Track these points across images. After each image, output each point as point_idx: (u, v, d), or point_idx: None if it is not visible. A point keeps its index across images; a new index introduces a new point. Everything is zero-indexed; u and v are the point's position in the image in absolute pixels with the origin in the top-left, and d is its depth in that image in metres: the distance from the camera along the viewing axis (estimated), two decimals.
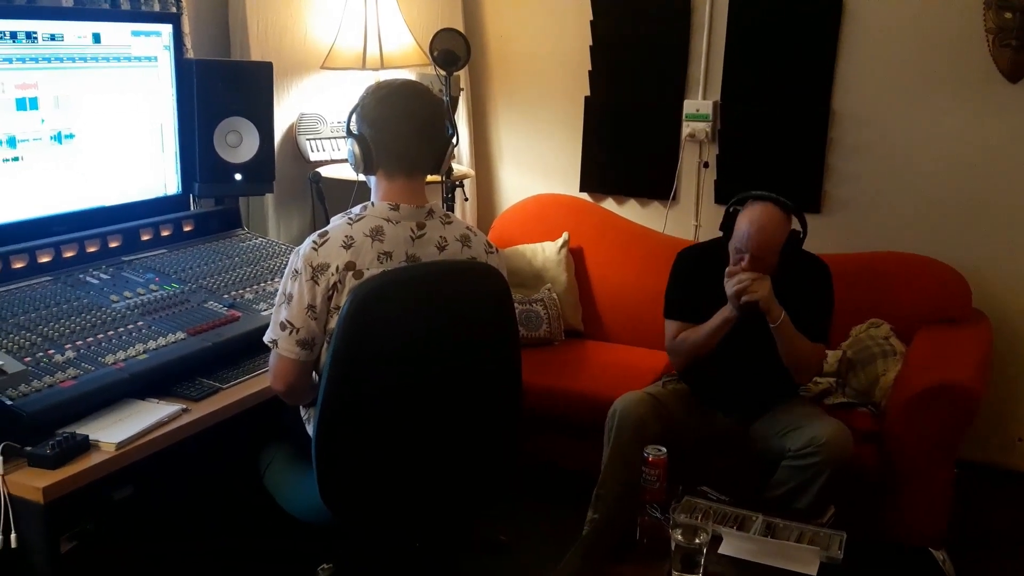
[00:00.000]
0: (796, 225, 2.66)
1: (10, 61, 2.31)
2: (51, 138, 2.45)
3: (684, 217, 3.80)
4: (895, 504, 2.66)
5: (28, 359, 1.95)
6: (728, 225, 2.66)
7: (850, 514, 2.41)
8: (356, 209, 1.97)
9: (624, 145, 3.85)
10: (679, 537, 1.89)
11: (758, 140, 3.59)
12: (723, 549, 2.04)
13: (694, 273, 2.76)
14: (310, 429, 1.99)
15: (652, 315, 2.94)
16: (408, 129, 1.95)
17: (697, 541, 1.88)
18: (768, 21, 3.49)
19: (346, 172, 3.37)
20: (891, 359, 2.93)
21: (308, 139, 3.59)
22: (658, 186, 3.81)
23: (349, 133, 2.01)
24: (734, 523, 2.16)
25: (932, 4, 3.25)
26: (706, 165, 3.71)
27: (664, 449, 2.11)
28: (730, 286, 2.55)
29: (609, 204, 3.94)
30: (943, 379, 2.60)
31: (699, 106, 3.64)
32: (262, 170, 2.97)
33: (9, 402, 1.79)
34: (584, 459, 2.81)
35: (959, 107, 3.28)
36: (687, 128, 3.67)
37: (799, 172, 3.54)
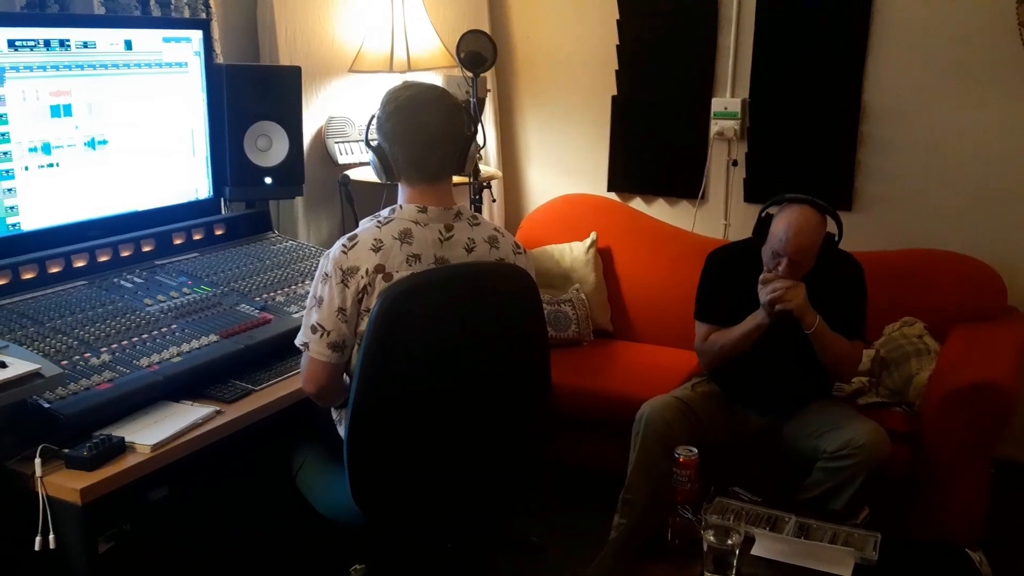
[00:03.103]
0: (830, 227, 2.63)
1: (44, 68, 2.35)
2: (85, 144, 2.49)
3: (713, 216, 3.78)
4: (930, 504, 2.63)
5: (65, 362, 1.97)
6: (761, 230, 2.63)
7: (884, 515, 2.38)
8: (385, 212, 1.98)
9: (652, 144, 3.84)
10: (711, 538, 1.88)
11: (788, 137, 3.56)
12: (755, 550, 2.03)
13: (725, 275, 2.74)
14: (341, 431, 2.00)
15: (681, 315, 2.93)
16: (420, 140, 1.95)
17: (729, 542, 1.87)
18: (796, 16, 3.46)
19: (374, 175, 3.38)
20: (925, 358, 2.89)
21: (336, 142, 3.62)
22: (686, 185, 3.79)
23: (368, 144, 2.02)
24: (766, 524, 2.15)
25: None
26: (735, 163, 3.68)
27: (695, 450, 2.10)
28: (764, 294, 2.53)
29: (637, 203, 3.93)
30: (978, 378, 2.57)
31: (727, 104, 3.62)
32: (292, 173, 2.99)
33: (47, 405, 1.82)
34: (615, 460, 2.80)
35: (992, 101, 3.23)
36: (715, 126, 3.64)
37: (830, 169, 3.50)
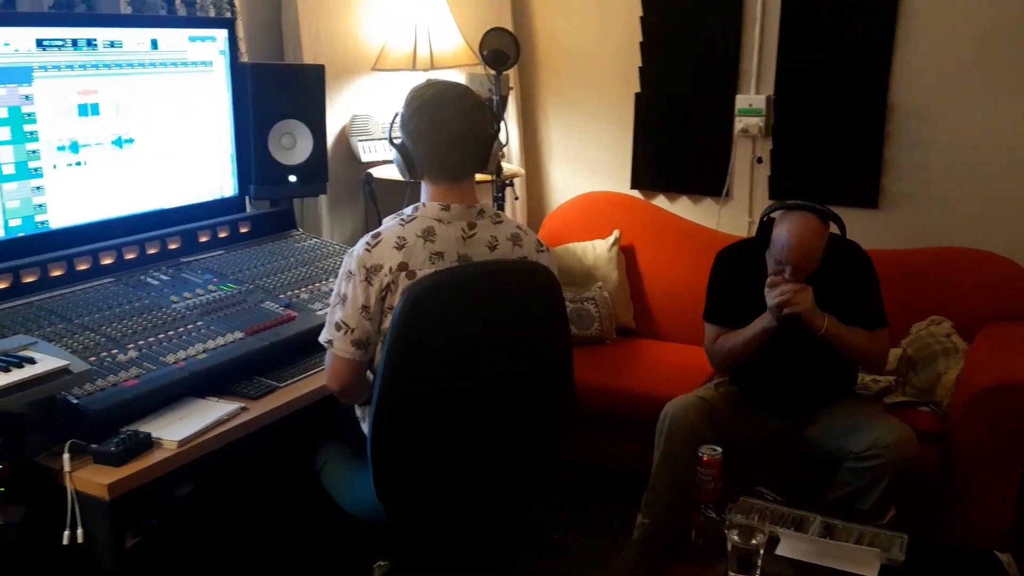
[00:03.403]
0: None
1: (72, 68, 2.38)
2: (112, 143, 2.51)
3: (737, 214, 3.75)
4: (958, 505, 2.60)
5: (92, 359, 2.00)
6: (764, 233, 2.62)
7: (911, 515, 2.36)
8: (408, 210, 1.99)
9: (675, 141, 3.82)
10: (735, 538, 1.87)
11: (813, 135, 3.53)
12: (780, 550, 2.02)
13: (733, 275, 2.73)
14: (365, 428, 2.01)
15: None
16: (443, 139, 1.95)
17: (753, 542, 1.86)
18: (822, 12, 3.43)
19: (398, 173, 3.39)
20: (953, 357, 2.86)
21: (360, 140, 3.63)
22: (710, 182, 3.77)
23: (391, 142, 2.03)
24: (791, 524, 2.13)
25: None
26: (759, 160, 3.66)
27: (719, 449, 2.09)
28: (771, 298, 2.51)
29: (660, 201, 3.91)
30: (1006, 377, 2.54)
31: (752, 101, 3.59)
32: (316, 171, 3.00)
33: (75, 401, 1.84)
34: (637, 458, 2.79)
35: (1020, 98, 3.19)
36: (740, 123, 3.62)
37: (855, 167, 3.47)
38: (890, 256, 3.06)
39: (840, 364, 2.61)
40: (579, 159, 4.12)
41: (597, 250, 3.58)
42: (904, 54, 3.34)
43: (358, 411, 2.12)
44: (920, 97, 3.35)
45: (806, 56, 3.49)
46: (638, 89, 3.85)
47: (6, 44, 2.21)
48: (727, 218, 3.76)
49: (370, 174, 3.39)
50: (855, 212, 3.44)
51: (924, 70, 3.32)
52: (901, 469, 2.38)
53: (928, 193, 3.40)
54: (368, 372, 2.00)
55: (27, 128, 2.28)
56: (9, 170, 2.25)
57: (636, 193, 3.92)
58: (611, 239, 3.59)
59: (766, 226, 2.63)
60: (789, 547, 2.03)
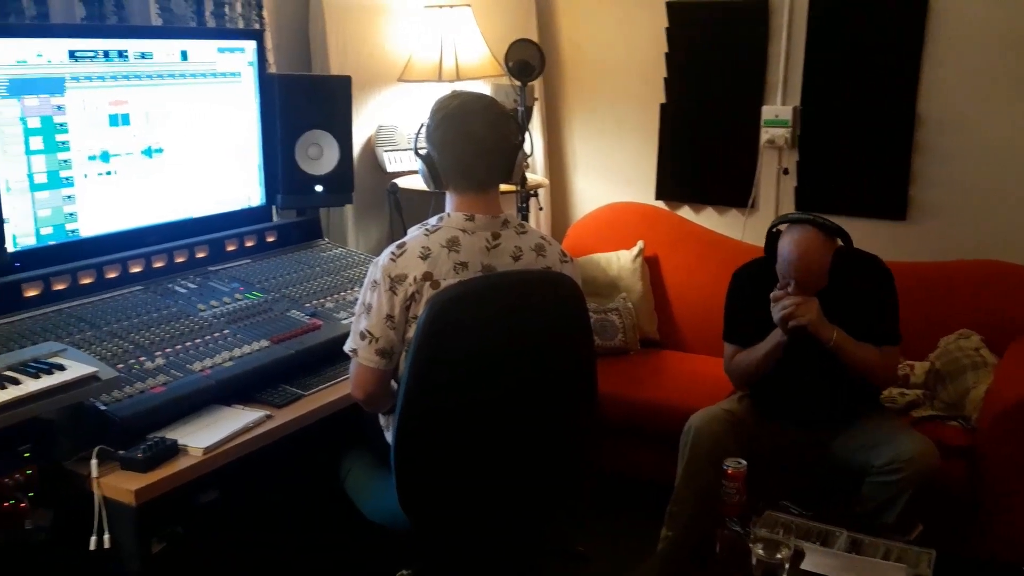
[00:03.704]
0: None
1: (103, 79, 2.41)
2: (142, 152, 2.55)
3: (763, 225, 3.68)
4: (986, 520, 2.56)
5: (121, 366, 2.02)
6: (771, 247, 2.60)
7: (939, 531, 2.33)
8: (432, 220, 2.00)
9: (701, 152, 3.81)
10: (760, 552, 1.85)
11: (840, 146, 3.51)
12: (805, 565, 1.99)
13: (746, 295, 2.71)
14: (389, 437, 2.01)
15: None
16: (469, 150, 1.96)
17: (778, 556, 1.85)
18: (850, 23, 3.42)
19: (423, 183, 3.41)
20: (982, 371, 2.83)
21: (386, 151, 3.65)
22: (736, 193, 3.75)
23: (417, 153, 2.04)
24: (817, 538, 2.11)
25: (1022, 2, 3.14)
26: (786, 172, 3.64)
27: (744, 462, 2.07)
28: (776, 311, 2.50)
29: (685, 212, 3.90)
30: None
31: (778, 112, 3.58)
32: (342, 181, 3.02)
33: (103, 407, 1.86)
34: (661, 469, 2.78)
35: None
36: (766, 134, 3.61)
37: (883, 178, 3.45)
38: (918, 269, 3.03)
39: (860, 378, 2.59)
40: (604, 170, 4.12)
41: (621, 261, 3.57)
42: (933, 64, 3.31)
43: (382, 420, 2.13)
44: (949, 107, 3.32)
45: (833, 66, 3.47)
46: (663, 100, 3.85)
47: (39, 55, 2.25)
48: (752, 229, 3.74)
49: (395, 184, 3.41)
50: (883, 224, 3.42)
51: (953, 80, 3.29)
52: (924, 483, 2.35)
53: (957, 205, 3.36)
54: (392, 381, 2.01)
55: (59, 138, 2.32)
56: (41, 179, 2.29)
57: (661, 204, 3.91)
58: (635, 250, 3.58)
59: (772, 239, 2.61)
60: (814, 562, 2.01)
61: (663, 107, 3.85)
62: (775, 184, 3.67)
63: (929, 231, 3.41)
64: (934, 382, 2.91)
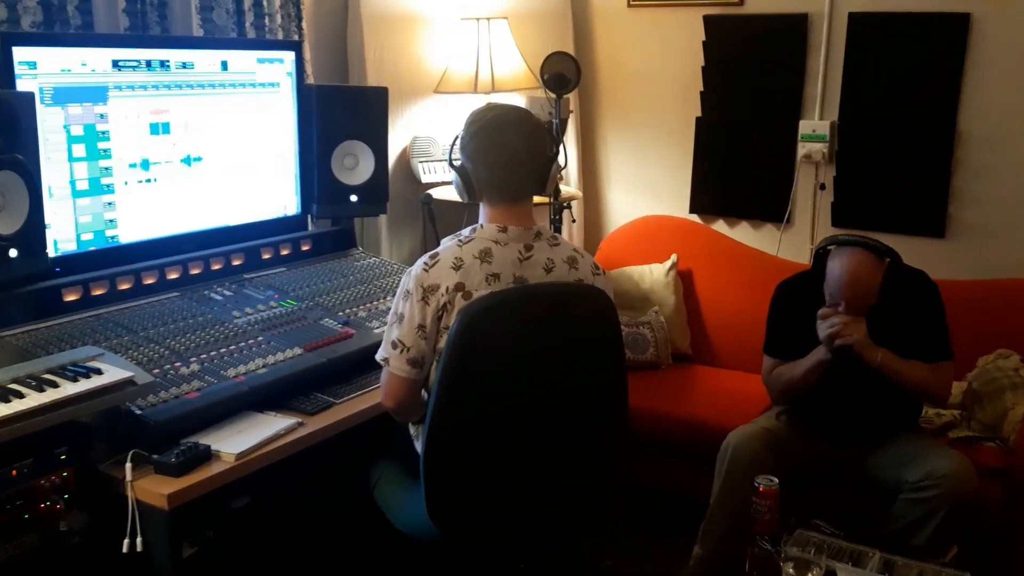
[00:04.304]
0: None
1: (145, 88, 2.46)
2: (181, 161, 2.58)
3: (799, 240, 3.70)
4: (1023, 544, 2.51)
5: (156, 371, 2.05)
6: (819, 266, 2.58)
7: (974, 554, 2.29)
8: (466, 231, 2.00)
9: (737, 166, 3.79)
10: (790, 571, 1.84)
11: (878, 162, 3.48)
12: None
13: (791, 308, 2.68)
14: (419, 446, 2.02)
15: (763, 341, 2.87)
16: (502, 161, 1.97)
17: (809, 575, 1.82)
18: (889, 38, 3.38)
19: (456, 194, 3.43)
20: (1021, 392, 2.77)
21: (420, 161, 3.67)
22: (772, 208, 3.73)
23: (451, 164, 2.05)
24: (849, 559, 2.08)
25: None
26: (823, 187, 3.61)
27: (775, 480, 2.05)
28: (823, 329, 2.48)
29: (720, 226, 3.88)
30: None
31: (816, 126, 3.55)
32: (376, 192, 3.04)
33: (139, 411, 1.89)
34: (693, 484, 2.76)
35: None
36: (803, 149, 3.58)
37: (922, 195, 3.41)
38: (957, 287, 2.98)
39: (902, 395, 2.55)
40: (638, 183, 4.11)
41: (654, 274, 3.56)
42: (974, 80, 3.27)
43: (412, 429, 2.14)
44: (990, 124, 3.27)
45: (872, 81, 3.44)
46: (699, 113, 3.83)
47: (83, 64, 2.30)
48: (788, 244, 3.71)
49: (429, 195, 3.43)
50: (921, 241, 3.38)
51: (996, 98, 3.25)
52: (958, 503, 2.31)
53: (997, 223, 3.31)
54: (423, 391, 2.02)
55: (101, 146, 2.36)
56: (83, 186, 2.33)
57: (695, 217, 3.90)
58: (668, 263, 3.57)
59: (821, 258, 2.59)
60: None
61: (699, 120, 3.84)
62: (811, 199, 3.64)
63: (968, 249, 3.36)
64: (971, 402, 2.86)
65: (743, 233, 3.83)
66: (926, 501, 2.34)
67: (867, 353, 2.46)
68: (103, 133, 2.36)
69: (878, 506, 2.50)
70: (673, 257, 3.58)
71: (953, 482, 2.33)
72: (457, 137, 2.04)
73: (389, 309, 2.03)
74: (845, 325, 2.45)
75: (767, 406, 2.88)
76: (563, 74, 3.18)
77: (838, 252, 2.51)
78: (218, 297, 2.49)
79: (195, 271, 2.55)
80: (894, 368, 2.47)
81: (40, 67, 2.20)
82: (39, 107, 2.16)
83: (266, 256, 2.77)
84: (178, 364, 2.11)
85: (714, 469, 2.59)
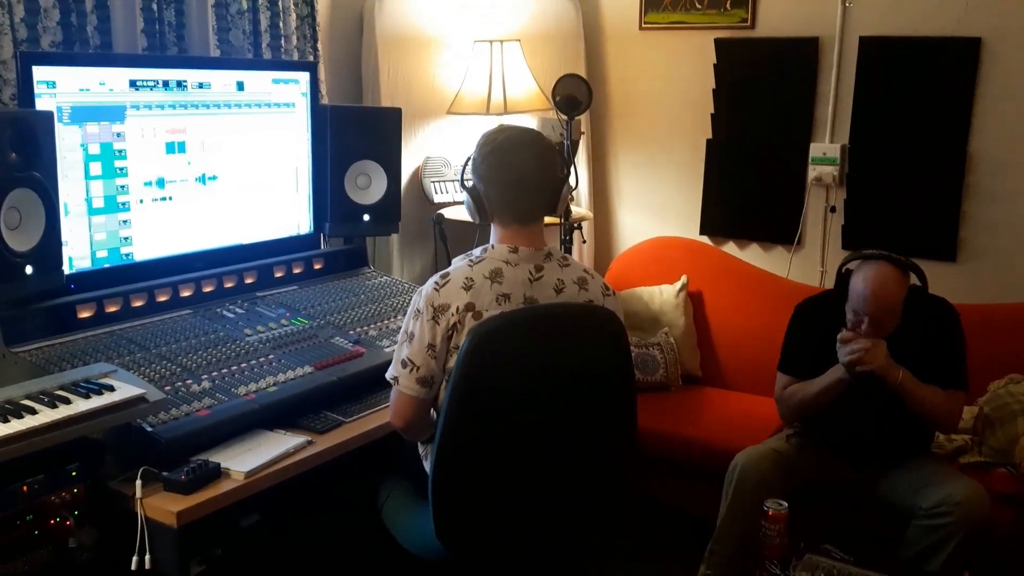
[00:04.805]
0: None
1: (162, 107, 2.49)
2: (196, 179, 2.61)
3: (809, 263, 3.70)
4: None
5: (168, 388, 2.06)
6: (842, 285, 2.58)
7: None
8: (477, 251, 2.01)
9: (747, 188, 3.80)
10: None
11: (889, 185, 3.48)
12: None
13: (810, 328, 2.67)
14: (427, 466, 2.02)
15: (774, 363, 2.86)
16: (513, 182, 1.98)
17: None
18: (901, 62, 3.39)
19: (468, 214, 3.45)
20: None
21: (432, 181, 3.69)
22: (782, 230, 3.73)
23: (463, 184, 2.07)
24: None
25: None
26: (833, 210, 3.61)
27: (784, 503, 2.05)
28: (843, 354, 2.46)
29: (730, 248, 3.88)
30: None
31: (826, 149, 3.56)
32: (388, 211, 3.06)
33: (149, 428, 1.90)
34: (701, 504, 2.74)
35: None
36: (813, 171, 3.59)
37: (933, 218, 3.40)
38: (968, 311, 2.95)
39: (916, 419, 2.54)
40: (648, 204, 4.12)
41: (664, 295, 3.56)
42: (985, 104, 3.27)
43: (421, 449, 2.14)
44: (1002, 148, 3.27)
45: (883, 105, 3.45)
46: (710, 135, 3.85)
47: (102, 83, 2.33)
48: (798, 267, 3.71)
49: (441, 215, 3.43)
50: (932, 265, 3.34)
51: (1006, 121, 3.25)
52: (973, 530, 2.29)
53: (1009, 247, 3.31)
54: (432, 410, 2.02)
55: (117, 164, 2.39)
56: (99, 204, 2.36)
57: (705, 239, 3.90)
58: (678, 284, 3.57)
59: (844, 278, 2.58)
60: None
61: (709, 142, 3.85)
62: (822, 222, 3.64)
63: (980, 273, 3.35)
64: (982, 427, 2.84)
65: (753, 255, 3.83)
66: (941, 528, 2.32)
67: (889, 373, 2.45)
68: (120, 151, 2.39)
69: (887, 529, 2.48)
70: (683, 278, 3.58)
71: (967, 509, 2.31)
72: (469, 158, 2.06)
73: (400, 328, 2.03)
74: (866, 351, 2.43)
75: (777, 428, 2.87)
76: (575, 96, 3.19)
77: (862, 266, 2.51)
78: (230, 315, 2.51)
79: (208, 289, 2.57)
80: (912, 390, 2.46)
81: (59, 86, 2.23)
82: (57, 126, 2.19)
83: (278, 274, 2.79)
84: (189, 381, 2.12)
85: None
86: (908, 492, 2.47)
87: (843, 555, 2.20)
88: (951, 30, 3.28)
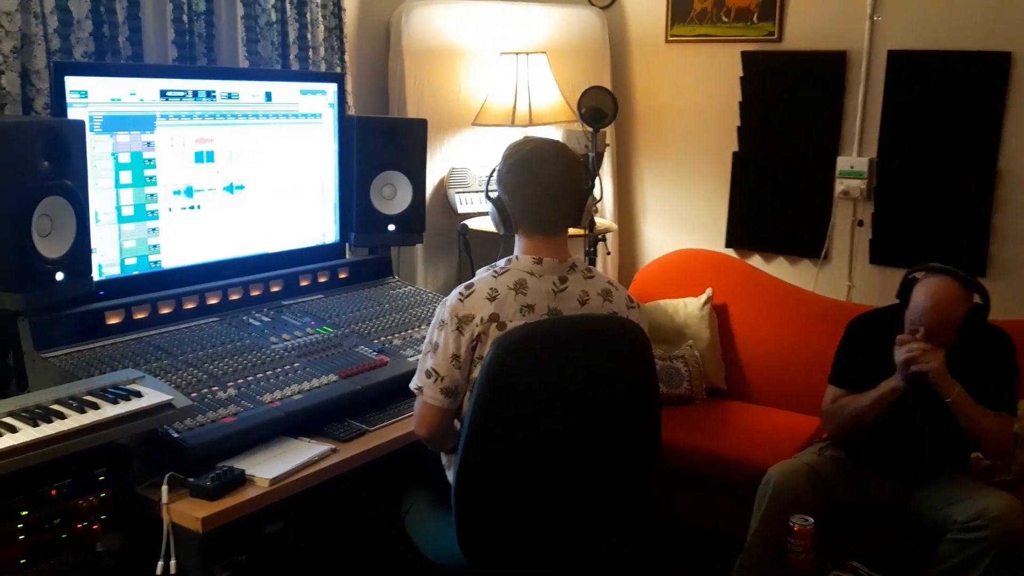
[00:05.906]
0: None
1: (191, 117, 2.51)
2: (224, 188, 2.63)
3: (836, 277, 3.67)
4: None
5: (194, 395, 2.08)
6: (905, 293, 2.56)
7: None
8: (501, 262, 2.02)
9: (773, 201, 3.78)
10: None
11: (917, 199, 3.45)
12: None
13: (865, 342, 2.65)
14: (450, 476, 2.02)
15: (800, 377, 2.85)
16: (538, 194, 1.99)
17: None
18: (929, 76, 3.37)
19: (492, 225, 3.46)
20: None
21: (457, 192, 3.71)
22: (809, 244, 3.71)
23: (487, 196, 2.07)
24: None
25: None
26: (860, 224, 3.58)
27: (811, 519, 2.02)
28: (899, 354, 2.44)
29: (756, 261, 3.86)
30: None
31: (854, 163, 3.54)
32: (414, 221, 3.07)
33: (176, 435, 1.92)
34: (730, 520, 2.72)
35: None
36: (840, 185, 3.56)
37: (962, 234, 3.37)
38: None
39: (958, 436, 2.50)
40: (673, 216, 4.11)
41: (689, 308, 3.54)
42: (1016, 117, 3.24)
43: (444, 459, 2.14)
44: None
45: (911, 119, 3.42)
46: (736, 148, 3.84)
47: (132, 94, 2.36)
48: (825, 281, 3.68)
49: (465, 225, 3.44)
50: None
51: None
52: (1009, 543, 2.26)
53: None
54: (456, 421, 2.02)
55: (147, 173, 2.42)
56: (128, 212, 2.38)
57: (731, 252, 3.89)
58: (703, 297, 3.55)
59: (908, 285, 2.56)
60: None
61: (735, 155, 3.84)
62: (849, 236, 3.62)
63: (1011, 288, 3.31)
64: (1013, 446, 2.80)
65: (779, 268, 3.80)
66: (976, 542, 2.29)
67: (943, 385, 2.42)
68: (149, 160, 2.42)
69: (918, 546, 2.45)
70: (708, 291, 3.56)
71: (1003, 523, 2.28)
72: (494, 170, 2.06)
73: (424, 338, 2.04)
74: (923, 352, 2.41)
75: (804, 443, 2.84)
76: (600, 108, 3.20)
77: (927, 279, 2.50)
78: (256, 323, 2.52)
79: (235, 297, 2.59)
80: (965, 407, 2.43)
81: (91, 96, 2.26)
82: (89, 135, 2.22)
83: (304, 283, 2.80)
84: (215, 388, 2.14)
85: (749, 504, 2.55)
86: (942, 506, 2.43)
87: (870, 572, 2.17)
88: (980, 44, 3.26)
